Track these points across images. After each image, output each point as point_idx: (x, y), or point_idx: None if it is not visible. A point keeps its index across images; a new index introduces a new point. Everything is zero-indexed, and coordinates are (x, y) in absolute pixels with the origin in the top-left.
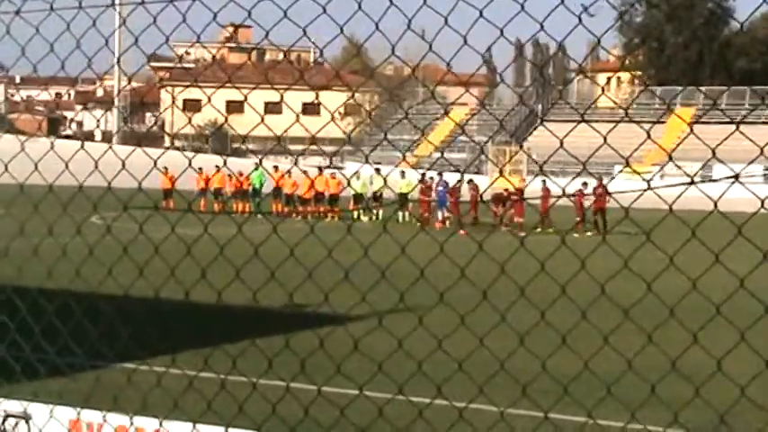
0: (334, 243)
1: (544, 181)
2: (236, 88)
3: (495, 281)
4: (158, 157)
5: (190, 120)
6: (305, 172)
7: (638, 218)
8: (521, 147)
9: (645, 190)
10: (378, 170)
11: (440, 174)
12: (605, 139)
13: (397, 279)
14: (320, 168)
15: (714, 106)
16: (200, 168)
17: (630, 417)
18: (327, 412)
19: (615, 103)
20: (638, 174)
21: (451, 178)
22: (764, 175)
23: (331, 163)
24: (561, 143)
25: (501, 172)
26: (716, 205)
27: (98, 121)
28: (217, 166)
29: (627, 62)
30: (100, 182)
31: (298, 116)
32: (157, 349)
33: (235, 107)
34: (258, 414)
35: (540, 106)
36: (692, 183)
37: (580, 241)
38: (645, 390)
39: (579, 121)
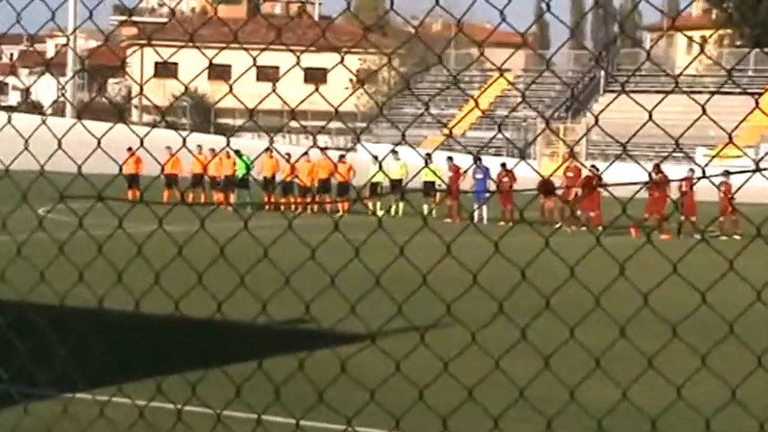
0: (320, 243)
1: (594, 167)
2: (222, 49)
3: (513, 289)
4: (103, 135)
5: (176, 91)
6: (306, 153)
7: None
8: (595, 121)
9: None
10: (395, 152)
11: (477, 158)
12: (704, 110)
13: (398, 287)
14: (323, 150)
15: None
16: (168, 148)
17: None
18: None
19: (719, 65)
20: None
21: (493, 164)
22: None
23: (358, 141)
24: (650, 115)
25: (572, 152)
26: None
27: (63, 89)
28: (199, 146)
29: (714, 17)
30: (33, 165)
31: (316, 86)
32: (100, 372)
33: (220, 72)
34: None
35: (601, 73)
36: None
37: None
38: (698, 425)
39: (666, 93)
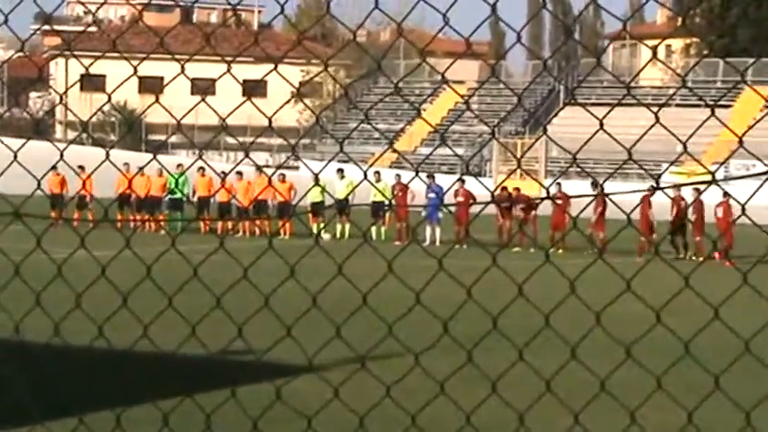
0: (249, 265)
1: (560, 184)
2: (154, 59)
3: (453, 313)
4: (18, 149)
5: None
6: (260, 169)
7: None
8: (545, 131)
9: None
10: (340, 171)
11: (430, 175)
12: (663, 128)
13: (343, 312)
14: (259, 169)
15: None
16: (81, 167)
17: None
18: None
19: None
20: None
21: (447, 181)
22: None
23: (297, 157)
24: (601, 124)
25: (519, 163)
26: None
27: None
28: (126, 164)
29: (680, 25)
30: None
31: (249, 96)
32: (20, 407)
33: (151, 85)
34: None
35: (561, 84)
36: None
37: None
38: None
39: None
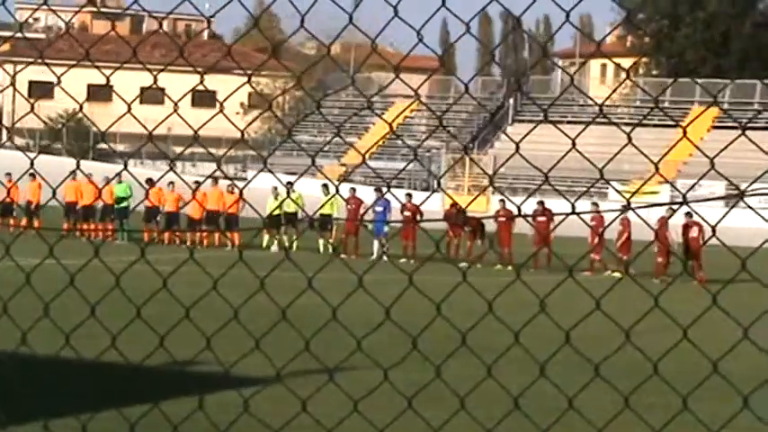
0: (220, 277)
1: (503, 201)
2: (101, 68)
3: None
4: None
5: (32, 106)
6: (197, 183)
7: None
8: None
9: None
10: (290, 184)
11: (378, 189)
12: (630, 141)
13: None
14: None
15: (747, 105)
16: (33, 175)
17: None
18: None
19: (644, 88)
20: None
21: (397, 196)
22: None
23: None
24: (573, 146)
25: (491, 180)
26: (714, 230)
27: None
28: (73, 172)
29: (629, 45)
30: None
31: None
32: None
33: (99, 93)
34: None
35: (510, 102)
36: (742, 196)
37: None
38: None
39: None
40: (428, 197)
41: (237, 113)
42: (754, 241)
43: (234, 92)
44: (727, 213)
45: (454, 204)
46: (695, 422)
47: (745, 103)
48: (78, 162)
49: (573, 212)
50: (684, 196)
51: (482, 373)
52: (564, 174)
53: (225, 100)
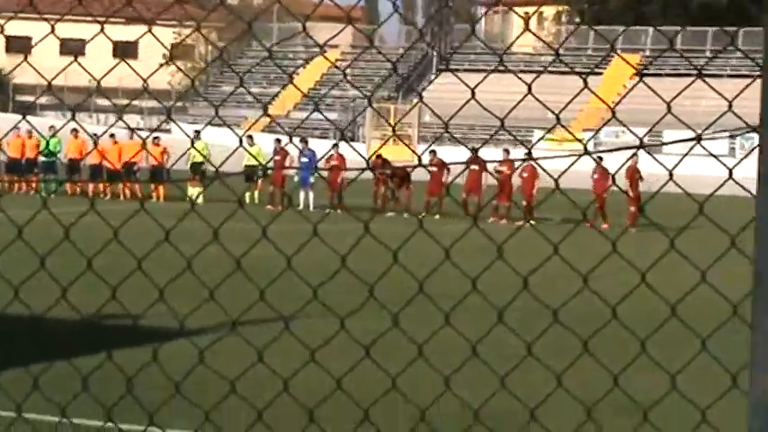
0: (174, 229)
1: (434, 151)
2: (21, 19)
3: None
4: None
5: None
6: (133, 131)
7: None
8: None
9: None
10: (197, 132)
11: (303, 140)
12: (530, 88)
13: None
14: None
15: (667, 51)
16: None
17: None
18: None
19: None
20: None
21: (322, 146)
22: (731, 144)
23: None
24: (473, 93)
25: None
26: (671, 175)
27: None
28: None
29: None
30: None
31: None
32: None
33: (19, 45)
34: None
35: (435, 51)
36: (641, 146)
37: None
38: (521, 415)
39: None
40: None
41: (161, 64)
42: (693, 188)
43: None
44: (682, 159)
45: (380, 156)
46: (653, 366)
47: (666, 50)
48: (24, 115)
49: (529, 158)
50: (642, 141)
51: (440, 321)
52: (490, 122)
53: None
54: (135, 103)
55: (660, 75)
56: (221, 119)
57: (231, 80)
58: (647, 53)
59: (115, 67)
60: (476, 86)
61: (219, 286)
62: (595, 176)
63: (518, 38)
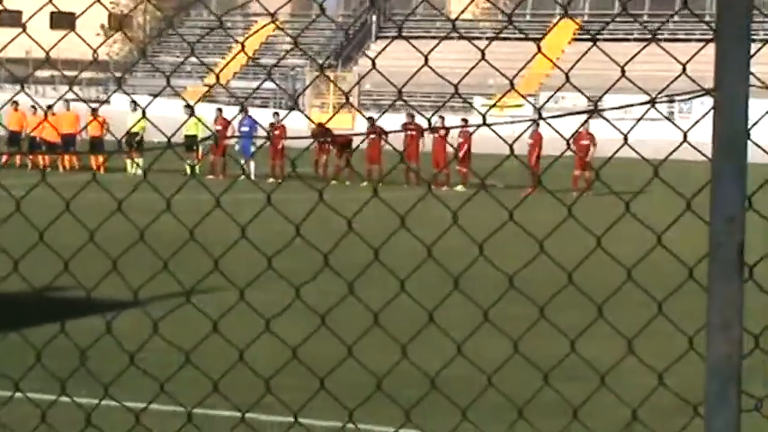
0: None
1: (371, 119)
2: None
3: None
4: None
5: None
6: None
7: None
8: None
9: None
10: (134, 103)
11: (243, 109)
12: (484, 55)
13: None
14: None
15: (606, 16)
16: None
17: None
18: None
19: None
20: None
21: (263, 115)
22: (669, 108)
23: (119, 86)
24: (426, 60)
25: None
26: (626, 139)
27: None
28: None
29: None
30: None
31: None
32: None
33: None
34: None
35: (373, 18)
36: (596, 111)
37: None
38: (479, 383)
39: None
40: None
41: (98, 35)
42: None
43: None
44: (636, 123)
45: (320, 124)
46: (611, 332)
47: (603, 15)
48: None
49: (484, 124)
50: (596, 105)
51: (344, 291)
52: (427, 90)
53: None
54: (73, 73)
55: (598, 40)
56: (173, 89)
57: (169, 50)
58: (586, 18)
59: (63, 38)
60: (428, 53)
61: (173, 257)
62: (530, 142)
63: (466, 9)
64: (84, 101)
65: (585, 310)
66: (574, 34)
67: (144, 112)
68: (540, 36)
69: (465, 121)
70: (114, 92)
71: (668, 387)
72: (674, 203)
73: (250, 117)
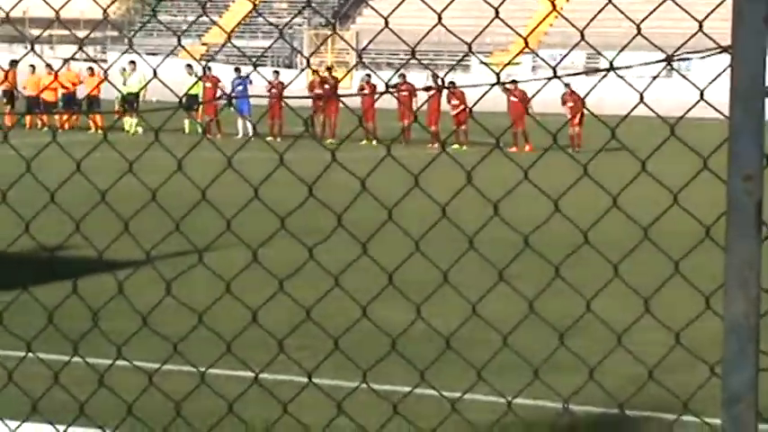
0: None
1: (369, 75)
2: None
3: (295, 209)
4: None
5: None
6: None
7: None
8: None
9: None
10: (132, 63)
11: (237, 68)
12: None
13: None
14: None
15: None
16: None
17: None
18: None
19: None
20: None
21: (257, 74)
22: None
23: (130, 46)
24: (440, 18)
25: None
26: (642, 98)
27: None
28: None
29: None
30: None
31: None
32: None
33: None
34: None
35: None
36: (611, 69)
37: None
38: (495, 343)
39: None
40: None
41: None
42: (634, 110)
43: None
44: (653, 81)
45: (322, 81)
46: (627, 291)
47: None
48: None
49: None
50: (612, 64)
51: (355, 251)
52: (423, 48)
53: None
54: (69, 33)
55: None
56: (184, 47)
57: (166, 9)
58: None
59: None
60: (443, 11)
61: (184, 217)
62: (513, 100)
63: None
64: (95, 60)
65: (597, 268)
66: None
67: (155, 72)
68: None
69: (453, 83)
70: (125, 52)
71: (684, 346)
72: (686, 161)
73: (243, 77)
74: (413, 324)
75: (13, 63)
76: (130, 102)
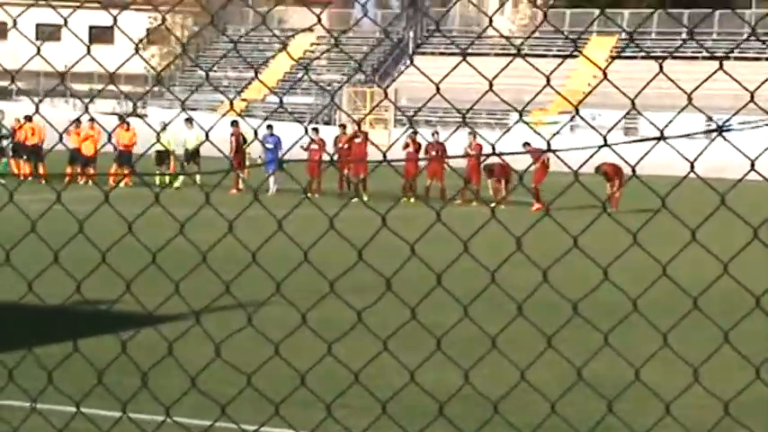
0: (137, 216)
1: (415, 132)
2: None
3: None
4: None
5: None
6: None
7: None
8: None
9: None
10: (190, 120)
11: (269, 126)
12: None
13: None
14: (122, 118)
15: (641, 35)
16: None
17: None
18: None
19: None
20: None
21: (291, 132)
22: (711, 129)
23: (134, 109)
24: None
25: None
26: (692, 166)
27: None
28: None
29: None
30: None
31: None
32: None
33: None
34: None
35: (410, 35)
36: (662, 138)
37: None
38: (543, 408)
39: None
40: (355, 133)
41: (137, 46)
42: (668, 171)
43: None
44: (707, 147)
45: (359, 136)
46: (673, 357)
47: (643, 32)
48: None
49: (550, 149)
50: (662, 132)
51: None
52: (463, 106)
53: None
54: (111, 88)
55: (635, 57)
56: (231, 102)
57: (206, 65)
58: (623, 35)
59: (86, 54)
60: (496, 76)
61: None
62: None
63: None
64: (140, 116)
65: (641, 328)
66: (611, 51)
67: (207, 135)
68: (577, 54)
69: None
70: (180, 110)
71: (733, 417)
72: (730, 224)
73: (272, 134)
74: (460, 389)
75: (28, 118)
76: (188, 157)
